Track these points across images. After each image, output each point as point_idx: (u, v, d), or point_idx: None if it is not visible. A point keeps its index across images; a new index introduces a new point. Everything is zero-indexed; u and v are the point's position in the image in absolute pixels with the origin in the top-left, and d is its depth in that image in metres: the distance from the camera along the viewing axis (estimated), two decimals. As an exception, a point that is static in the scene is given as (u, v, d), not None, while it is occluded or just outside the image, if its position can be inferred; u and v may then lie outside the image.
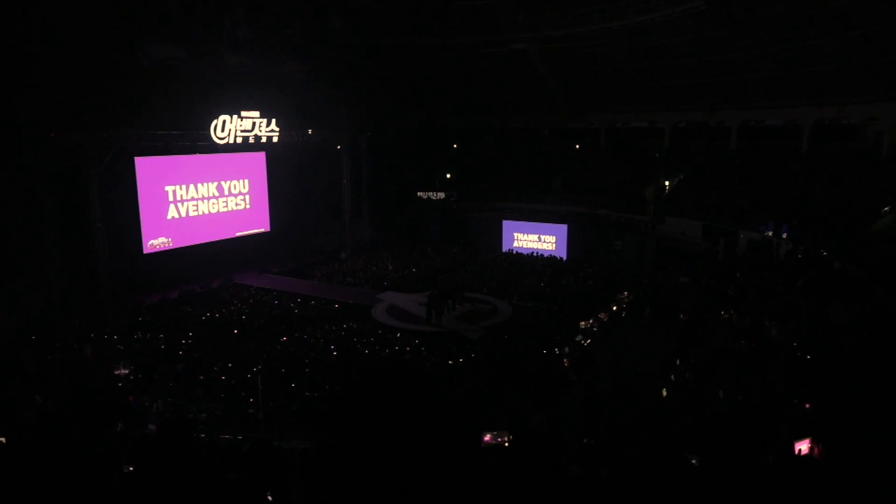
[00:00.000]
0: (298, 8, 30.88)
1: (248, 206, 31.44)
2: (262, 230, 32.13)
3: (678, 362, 13.18)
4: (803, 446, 5.55)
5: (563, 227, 33.87)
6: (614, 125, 38.55)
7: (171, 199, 27.46)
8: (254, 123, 28.66)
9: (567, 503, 3.18)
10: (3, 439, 5.89)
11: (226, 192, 30.20)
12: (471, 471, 2.78)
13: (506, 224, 35.43)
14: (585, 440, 8.95)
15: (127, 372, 15.99)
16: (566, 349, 17.47)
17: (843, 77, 28.03)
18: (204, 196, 29.03)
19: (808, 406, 8.23)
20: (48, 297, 22.50)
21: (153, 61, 24.77)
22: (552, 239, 34.10)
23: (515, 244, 35.03)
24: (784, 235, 23.46)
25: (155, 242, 26.88)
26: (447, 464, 2.69)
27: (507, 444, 7.75)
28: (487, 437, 8.75)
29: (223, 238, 30.00)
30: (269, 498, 4.36)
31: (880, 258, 17.10)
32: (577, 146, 40.39)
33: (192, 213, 28.49)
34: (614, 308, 21.66)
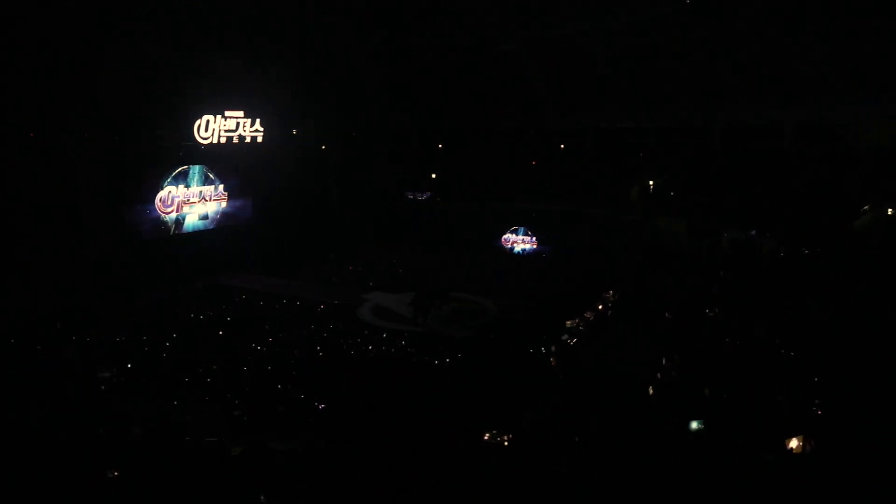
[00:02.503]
0: (287, 7, 30.67)
1: (233, 206, 31.17)
2: (247, 230, 31.83)
3: (664, 361, 13.23)
4: (793, 444, 5.59)
5: (550, 227, 34.10)
6: (600, 125, 38.68)
7: (156, 199, 27.16)
8: (238, 123, 28.41)
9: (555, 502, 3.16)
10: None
11: (211, 192, 29.92)
12: (470, 469, 2.76)
13: (492, 224, 35.53)
14: (573, 439, 8.95)
15: (110, 375, 15.77)
16: (552, 348, 17.46)
17: (824, 78, 28.28)
18: (189, 195, 28.71)
19: (794, 404, 8.29)
20: (31, 297, 22.15)
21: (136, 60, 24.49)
22: (538, 238, 34.35)
23: (502, 243, 35.14)
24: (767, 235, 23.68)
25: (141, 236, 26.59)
26: (446, 462, 2.66)
27: (506, 444, 7.76)
28: (486, 436, 8.70)
29: (207, 238, 29.67)
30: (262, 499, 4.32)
31: (863, 256, 17.31)
32: (563, 146, 40.49)
33: (176, 213, 28.17)
34: (600, 307, 21.69)
